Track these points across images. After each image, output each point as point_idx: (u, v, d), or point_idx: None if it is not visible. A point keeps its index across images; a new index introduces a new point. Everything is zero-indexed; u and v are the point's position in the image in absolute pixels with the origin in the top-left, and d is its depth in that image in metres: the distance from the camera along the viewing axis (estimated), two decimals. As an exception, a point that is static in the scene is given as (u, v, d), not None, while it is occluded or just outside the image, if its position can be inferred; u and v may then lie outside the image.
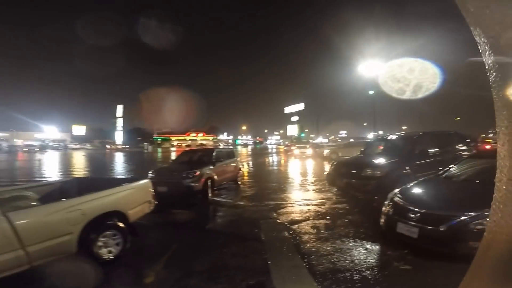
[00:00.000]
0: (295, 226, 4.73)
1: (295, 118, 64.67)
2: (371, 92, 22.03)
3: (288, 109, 67.06)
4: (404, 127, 62.97)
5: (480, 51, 0.66)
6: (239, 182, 9.55)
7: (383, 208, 3.98)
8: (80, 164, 22.10)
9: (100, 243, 3.28)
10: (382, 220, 3.93)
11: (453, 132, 8.09)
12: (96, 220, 3.25)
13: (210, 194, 7.23)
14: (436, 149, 6.86)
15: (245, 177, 11.52)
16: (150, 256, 3.71)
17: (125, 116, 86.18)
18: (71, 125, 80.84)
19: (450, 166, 4.67)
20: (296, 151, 23.34)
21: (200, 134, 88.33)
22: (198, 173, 6.97)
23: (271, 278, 2.93)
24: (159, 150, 56.41)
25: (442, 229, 3.08)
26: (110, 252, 3.36)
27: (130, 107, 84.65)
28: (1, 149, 46.51)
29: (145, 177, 4.77)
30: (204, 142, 79.63)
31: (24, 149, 47.68)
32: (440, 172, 4.63)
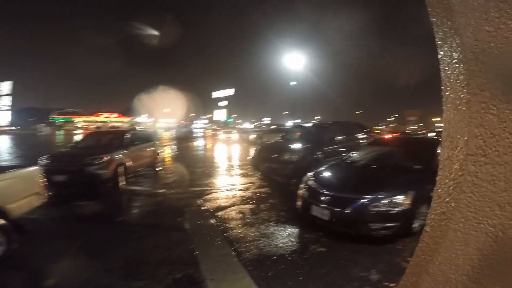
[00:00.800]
0: (221, 213, 4.69)
1: (223, 103, 64.38)
2: (293, 83, 23.65)
3: (216, 94, 66.05)
4: (318, 117, 70.83)
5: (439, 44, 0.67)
6: (160, 168, 8.86)
7: (299, 191, 4.23)
8: None
9: None
10: (298, 203, 4.18)
11: (355, 123, 9.48)
12: None
13: (123, 183, 6.47)
14: (342, 137, 7.89)
15: (167, 163, 10.82)
16: (49, 255, 3.12)
17: (14, 93, 68.44)
18: None
19: (352, 152, 5.40)
20: (222, 136, 23.48)
21: (114, 115, 77.93)
22: (106, 158, 6.09)
23: (200, 269, 2.81)
24: (60, 132, 47.30)
25: (347, 211, 3.40)
26: None
27: (18, 83, 67.69)
28: None
29: (32, 164, 3.84)
30: (118, 125, 70.59)
31: None
32: (344, 158, 5.26)
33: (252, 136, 21.05)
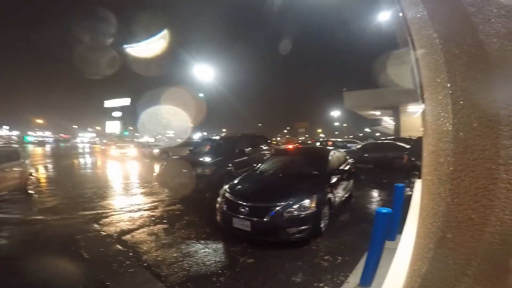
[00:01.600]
0: (128, 236, 4.12)
1: (117, 114, 56.56)
2: (201, 94, 23.59)
3: (109, 103, 57.50)
4: (224, 130, 72.70)
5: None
6: (31, 192, 7.02)
7: (217, 205, 4.20)
8: None
9: None
10: (218, 217, 4.14)
11: (260, 135, 10.34)
12: None
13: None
14: (250, 149, 8.41)
15: (43, 184, 8.65)
16: None
17: None
18: None
19: (260, 163, 5.84)
20: (117, 151, 20.32)
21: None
22: None
23: None
24: None
25: (266, 219, 3.55)
26: None
27: None
28: None
29: None
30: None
31: None
32: (255, 168, 5.55)
33: (156, 151, 19.47)
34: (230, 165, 7.22)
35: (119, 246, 3.76)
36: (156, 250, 3.67)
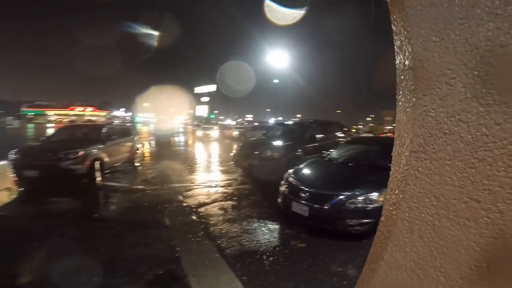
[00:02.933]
0: (202, 209, 4.69)
1: (205, 99, 63.20)
2: (275, 80, 23.78)
3: (198, 89, 64.71)
4: (299, 115, 71.93)
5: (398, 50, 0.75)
6: (137, 164, 8.65)
7: (280, 188, 4.31)
8: None
9: None
10: (279, 200, 4.26)
11: (335, 122, 9.75)
12: None
13: (100, 178, 6.26)
14: (322, 135, 8.10)
15: (146, 158, 10.57)
16: (21, 253, 3.02)
17: None
18: None
19: (331, 150, 5.57)
20: (204, 132, 22.83)
21: (89, 108, 74.53)
22: (81, 153, 5.86)
23: (182, 265, 2.81)
24: (30, 126, 44.51)
25: (326, 207, 3.50)
26: None
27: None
28: None
29: (1, 159, 3.61)
30: (94, 118, 67.64)
31: None
32: (323, 155, 5.41)
33: (236, 133, 21.02)
34: (299, 150, 7.13)
35: (194, 217, 4.33)
36: (222, 224, 4.09)
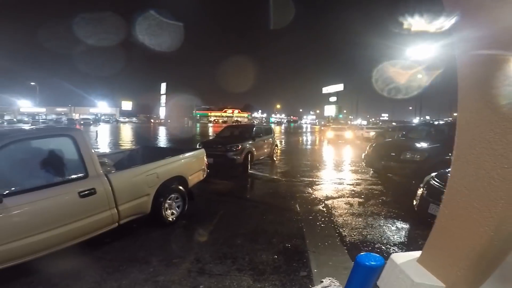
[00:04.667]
0: (329, 202, 5.08)
1: (333, 99, 62.18)
2: (419, 76, 20.28)
3: (326, 89, 64.56)
4: (455, 114, 57.10)
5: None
6: (275, 158, 10.00)
7: (418, 190, 4.07)
8: (134, 135, 24.38)
9: (166, 205, 3.69)
10: (415, 201, 4.05)
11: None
12: (165, 184, 3.69)
13: (249, 168, 7.82)
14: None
15: (280, 154, 11.93)
16: (202, 219, 4.13)
17: (167, 93, 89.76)
18: (119, 101, 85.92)
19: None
20: (333, 132, 21.75)
21: (236, 111, 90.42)
22: (240, 147, 7.56)
23: (305, 243, 3.34)
24: (198, 124, 59.41)
25: None
26: (172, 213, 3.81)
27: (173, 85, 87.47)
28: (62, 122, 52.42)
29: (194, 148, 5.32)
30: (239, 119, 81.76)
31: (80, 122, 52.82)
32: None
33: (372, 133, 19.59)
34: (449, 154, 6.06)
35: (321, 207, 4.79)
36: (347, 216, 4.35)
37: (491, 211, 0.82)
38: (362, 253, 1.00)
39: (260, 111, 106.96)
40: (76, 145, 2.74)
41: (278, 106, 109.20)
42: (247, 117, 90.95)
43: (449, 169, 3.51)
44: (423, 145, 6.52)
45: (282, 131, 39.05)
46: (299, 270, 2.74)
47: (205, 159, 4.83)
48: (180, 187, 3.99)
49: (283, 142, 19.16)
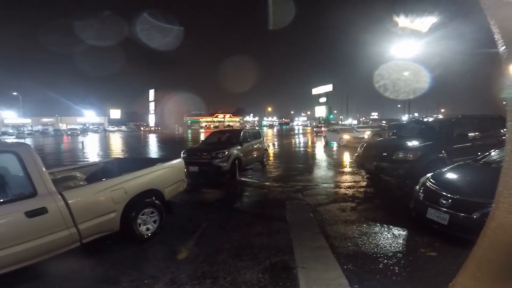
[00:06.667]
0: (321, 208, 4.79)
1: (323, 99, 62.48)
2: (406, 73, 20.48)
3: (316, 90, 64.88)
4: (443, 110, 58.47)
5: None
6: (265, 163, 9.69)
7: (414, 193, 3.89)
8: (119, 145, 23.75)
9: (139, 221, 3.45)
10: (411, 205, 3.86)
11: (497, 116, 7.37)
12: (136, 199, 3.41)
13: (237, 175, 7.48)
14: (477, 133, 6.39)
15: (271, 158, 11.65)
16: (182, 233, 3.84)
17: (156, 100, 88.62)
18: (108, 109, 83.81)
19: (490, 151, 4.34)
20: (325, 133, 21.27)
21: (227, 115, 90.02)
22: (226, 153, 7.20)
23: (294, 257, 3.04)
24: (189, 131, 58.66)
25: (475, 216, 2.97)
26: (147, 229, 3.54)
27: (161, 92, 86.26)
28: (48, 133, 51.09)
29: (177, 156, 5.01)
30: (231, 124, 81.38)
31: (68, 132, 51.58)
32: (478, 157, 4.33)
33: (368, 133, 19.13)
34: (442, 151, 5.91)
35: (311, 214, 4.49)
36: (339, 224, 4.04)
37: None
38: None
39: (251, 114, 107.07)
40: (21, 162, 2.46)
41: (269, 109, 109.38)
42: (239, 121, 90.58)
43: (445, 169, 3.27)
44: (415, 143, 6.34)
45: (275, 133, 38.95)
46: (286, 291, 2.43)
47: (184, 169, 4.51)
48: (156, 201, 3.67)
49: (275, 145, 18.93)
